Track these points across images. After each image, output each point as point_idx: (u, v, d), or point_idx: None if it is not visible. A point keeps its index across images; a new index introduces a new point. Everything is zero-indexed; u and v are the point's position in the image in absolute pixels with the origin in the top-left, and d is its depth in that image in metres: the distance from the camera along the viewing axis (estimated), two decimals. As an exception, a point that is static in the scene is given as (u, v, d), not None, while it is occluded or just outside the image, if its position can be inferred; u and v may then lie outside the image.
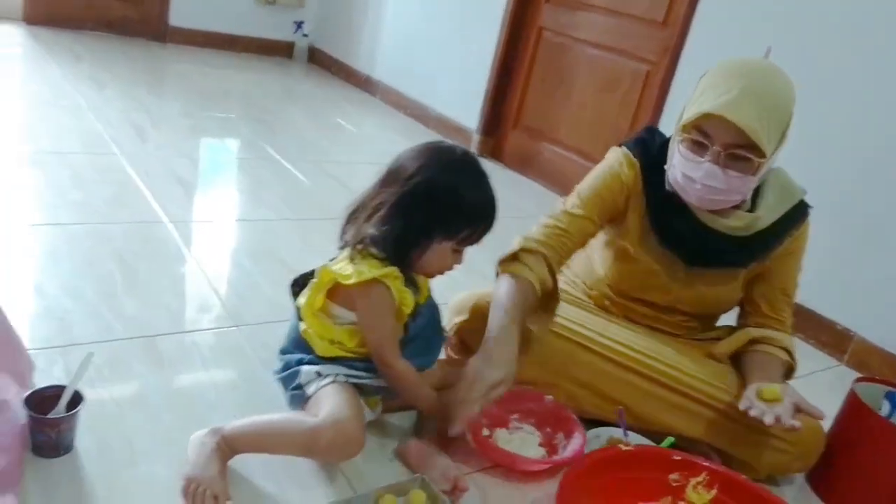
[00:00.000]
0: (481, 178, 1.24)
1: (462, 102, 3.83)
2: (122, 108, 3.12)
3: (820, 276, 2.34)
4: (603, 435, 1.45)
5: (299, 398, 1.27)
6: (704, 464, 1.28)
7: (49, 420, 1.13)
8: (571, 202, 1.49)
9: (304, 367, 1.28)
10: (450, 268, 1.29)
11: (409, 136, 3.75)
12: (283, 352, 1.37)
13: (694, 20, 2.75)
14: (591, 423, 1.49)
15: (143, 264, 1.84)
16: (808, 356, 2.28)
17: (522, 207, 3.03)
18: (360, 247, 1.22)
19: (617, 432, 1.45)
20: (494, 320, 1.32)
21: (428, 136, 3.89)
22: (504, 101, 3.71)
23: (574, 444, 1.39)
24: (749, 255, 1.44)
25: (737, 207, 1.37)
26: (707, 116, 1.25)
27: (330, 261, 1.30)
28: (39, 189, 2.16)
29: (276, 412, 1.27)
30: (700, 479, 1.26)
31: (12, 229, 1.89)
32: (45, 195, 2.13)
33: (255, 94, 4.03)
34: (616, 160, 1.48)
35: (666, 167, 1.40)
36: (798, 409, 1.27)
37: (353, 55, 4.77)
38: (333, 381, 1.25)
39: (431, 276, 1.31)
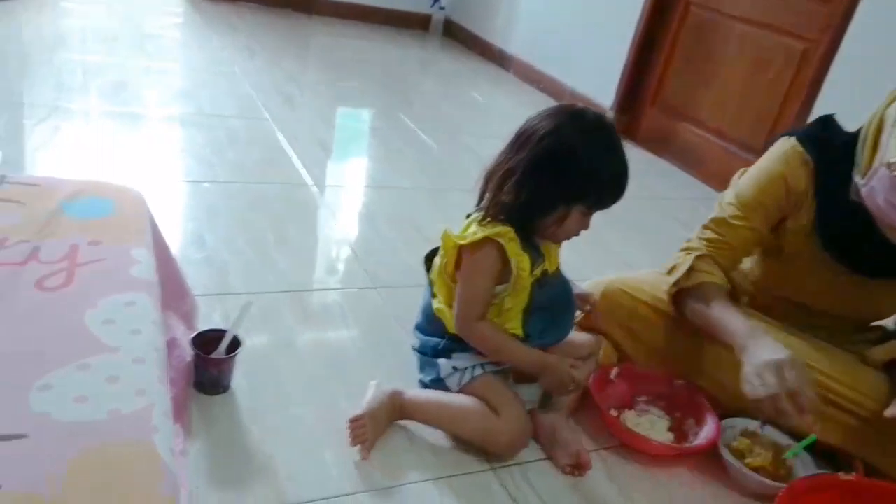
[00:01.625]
0: (615, 142, 1.21)
1: (598, 78, 3.74)
2: (272, 76, 3.29)
3: None
4: (737, 425, 1.40)
5: (442, 389, 1.31)
6: None
7: (213, 360, 1.23)
8: (730, 210, 1.39)
9: (441, 361, 1.31)
10: (576, 233, 1.25)
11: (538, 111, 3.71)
12: (419, 328, 1.39)
13: (862, -4, 2.55)
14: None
15: (291, 223, 1.96)
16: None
17: (655, 188, 2.95)
18: (491, 213, 1.21)
19: (752, 424, 1.40)
20: (737, 322, 1.29)
21: (561, 112, 3.84)
22: (643, 77, 3.59)
23: (706, 432, 1.36)
24: None
25: None
26: None
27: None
28: (200, 147, 2.34)
29: (399, 369, 1.34)
30: None
31: (177, 183, 2.06)
32: (205, 154, 2.30)
33: (392, 66, 4.13)
34: (785, 157, 1.35)
35: (857, 179, 1.25)
36: None
37: (489, 29, 4.77)
38: (473, 378, 1.28)
39: (558, 241, 1.29)
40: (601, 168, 1.19)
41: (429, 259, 1.41)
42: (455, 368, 1.29)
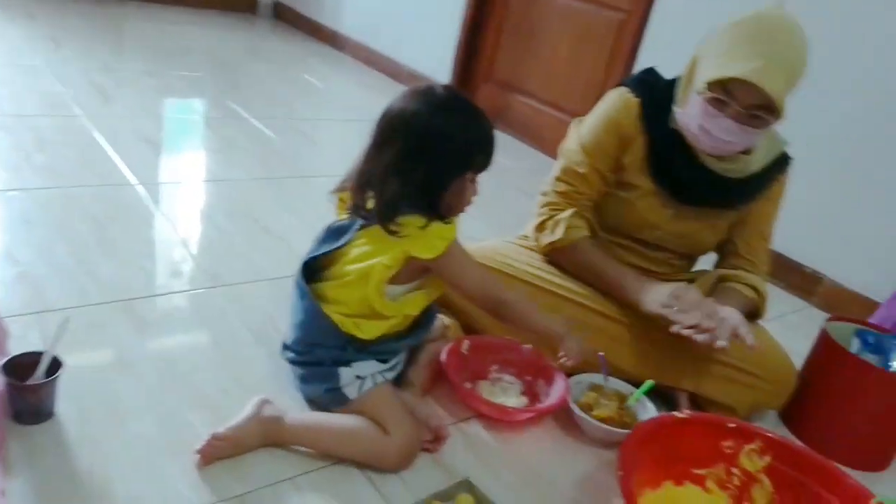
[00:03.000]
0: (473, 108, 1.25)
1: (432, 57, 3.77)
2: (82, 68, 3.02)
3: (790, 220, 2.38)
4: (584, 381, 1.48)
5: (338, 399, 1.25)
6: (758, 431, 1.26)
7: (28, 386, 1.11)
8: (577, 158, 1.51)
9: (343, 370, 1.25)
10: (471, 201, 1.28)
11: (380, 92, 3.69)
12: (305, 341, 1.30)
13: (666, -33, 2.73)
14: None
15: (115, 227, 1.81)
16: (778, 299, 2.34)
17: (497, 161, 3.02)
18: (386, 212, 1.18)
19: (598, 377, 1.48)
20: (622, 274, 1.47)
21: (397, 91, 3.83)
22: (475, 54, 3.66)
23: (556, 391, 1.41)
24: (738, 198, 1.49)
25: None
26: (733, 80, 1.26)
27: (357, 228, 1.26)
28: (2, 153, 2.10)
29: (248, 374, 1.27)
30: (753, 445, 1.24)
31: (-24, 195, 1.84)
32: (10, 159, 2.06)
33: (219, 52, 3.92)
34: (615, 101, 1.49)
35: (675, 108, 1.41)
36: (735, 335, 1.30)
37: (320, 10, 4.65)
38: (375, 385, 1.25)
39: (457, 213, 1.29)
40: (476, 133, 1.23)
41: (306, 269, 1.32)
42: (357, 377, 1.25)
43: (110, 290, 1.54)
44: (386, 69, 4.08)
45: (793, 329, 1.80)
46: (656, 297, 1.39)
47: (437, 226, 1.20)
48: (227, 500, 1.08)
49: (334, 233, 1.32)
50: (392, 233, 1.18)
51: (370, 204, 1.21)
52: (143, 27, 4.07)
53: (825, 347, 1.55)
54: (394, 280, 1.24)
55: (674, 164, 1.45)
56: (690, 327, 1.30)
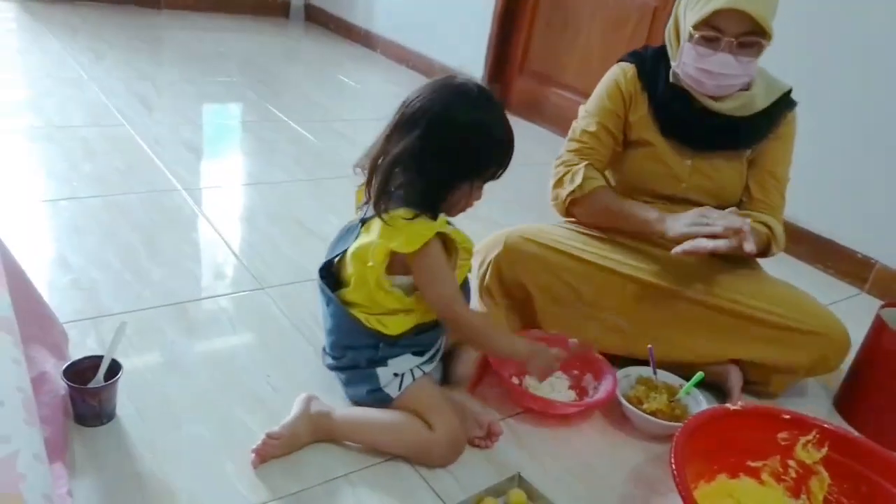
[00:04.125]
0: (500, 111, 1.20)
1: (465, 51, 3.76)
2: (124, 78, 3.09)
3: (838, 205, 2.33)
4: (632, 374, 1.46)
5: (382, 398, 1.25)
6: (815, 422, 1.23)
7: (89, 390, 1.15)
8: (584, 121, 1.59)
9: (380, 370, 1.25)
10: (471, 205, 1.25)
11: (413, 89, 3.69)
12: (337, 346, 1.30)
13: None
14: (617, 362, 1.50)
15: (163, 232, 1.85)
16: (829, 286, 2.29)
17: (531, 154, 2.99)
18: (387, 202, 1.16)
19: (646, 370, 1.46)
20: (644, 210, 1.51)
21: (432, 88, 3.83)
22: (508, 46, 3.64)
23: (605, 385, 1.40)
24: (747, 137, 1.53)
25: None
26: (718, 12, 1.34)
27: (360, 224, 1.25)
28: (53, 163, 2.16)
29: (297, 372, 1.29)
30: (810, 437, 1.22)
31: (32, 205, 1.90)
32: (59, 169, 2.12)
33: (254, 56, 3.97)
34: (612, 72, 1.59)
35: (673, 65, 1.49)
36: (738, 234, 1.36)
37: (351, 10, 4.68)
38: (415, 380, 1.25)
39: (453, 216, 1.26)
40: (496, 138, 1.18)
41: (323, 271, 1.34)
42: (395, 374, 1.25)
43: (161, 294, 1.58)
44: (419, 66, 4.09)
45: (847, 317, 1.74)
46: (681, 219, 1.43)
47: (421, 221, 1.16)
48: (283, 497, 1.10)
49: (346, 232, 1.32)
50: (383, 221, 1.16)
51: (373, 191, 1.19)
52: (179, 35, 4.14)
53: (880, 334, 1.51)
54: (396, 271, 1.22)
55: (679, 115, 1.51)
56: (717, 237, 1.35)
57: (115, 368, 1.18)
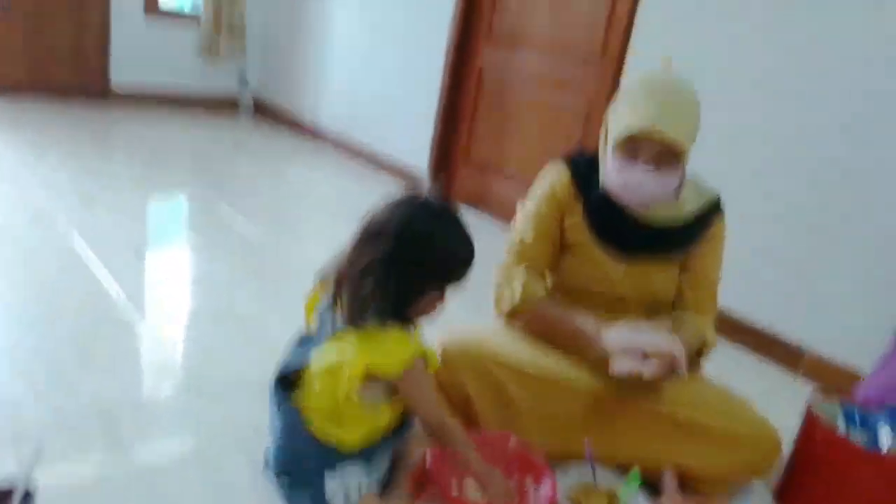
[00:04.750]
0: (461, 223, 1.27)
1: (410, 143, 3.87)
2: (66, 174, 3.06)
3: (768, 292, 2.42)
4: (571, 472, 1.46)
5: None
6: None
7: (2, 519, 1.08)
8: (522, 228, 1.63)
9: (328, 478, 1.24)
10: (436, 309, 1.29)
11: (360, 182, 3.76)
12: (286, 449, 1.29)
13: (628, 54, 2.85)
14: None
15: (96, 338, 1.80)
16: (762, 373, 2.34)
17: (477, 245, 3.05)
18: (357, 313, 1.19)
19: (584, 470, 1.46)
20: (581, 321, 1.51)
21: (379, 180, 3.91)
22: (452, 141, 3.76)
23: (545, 490, 1.39)
24: (678, 244, 1.58)
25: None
26: (635, 133, 1.40)
27: (327, 333, 1.26)
28: (-18, 268, 2.11)
29: (234, 486, 1.24)
30: None
31: (-45, 313, 1.83)
32: (-11, 273, 2.07)
33: (202, 150, 4.00)
34: (549, 174, 1.64)
35: (601, 173, 1.54)
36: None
37: (299, 106, 4.79)
38: (361, 496, 1.25)
39: (419, 321, 1.30)
40: (459, 249, 1.25)
41: (281, 381, 1.32)
42: (342, 488, 1.24)
43: (89, 404, 1.52)
44: (366, 158, 4.17)
45: (781, 404, 1.79)
46: (616, 333, 1.45)
47: (398, 338, 1.20)
48: None
49: (306, 340, 1.33)
50: (359, 332, 1.19)
51: (342, 302, 1.22)
52: (128, 128, 4.16)
53: (811, 426, 1.55)
54: (371, 381, 1.23)
55: (611, 221, 1.55)
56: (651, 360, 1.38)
57: (30, 496, 1.12)
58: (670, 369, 1.39)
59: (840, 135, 2.23)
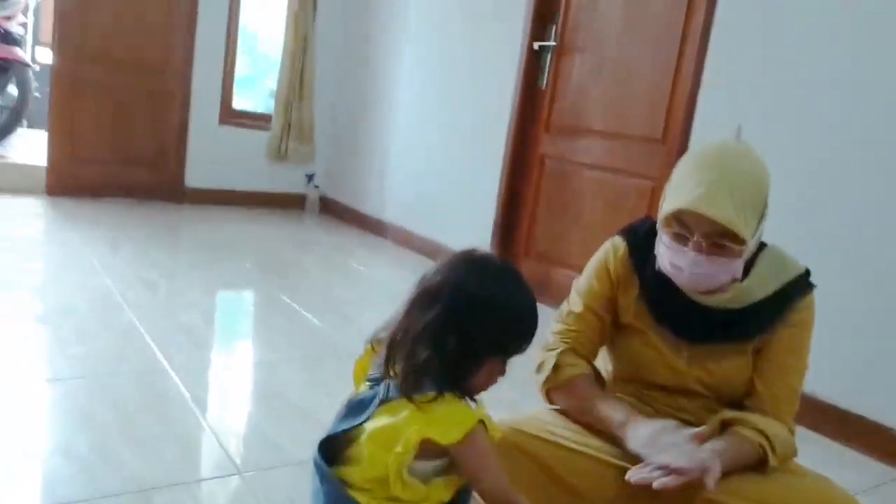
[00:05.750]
0: (521, 282, 1.17)
1: (472, 236, 3.84)
2: (135, 265, 3.15)
3: (861, 377, 2.19)
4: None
5: None
6: None
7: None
8: (573, 300, 1.50)
9: None
10: (496, 382, 1.17)
11: (420, 273, 3.73)
12: None
13: (692, 136, 2.79)
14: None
15: (142, 414, 1.76)
16: (867, 469, 2.08)
17: (541, 334, 2.94)
18: (412, 382, 1.08)
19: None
20: (612, 408, 1.36)
21: (440, 271, 3.87)
22: (514, 231, 3.72)
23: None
24: (747, 329, 1.36)
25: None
26: (682, 211, 1.25)
27: (377, 402, 1.14)
28: (40, 346, 2.12)
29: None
30: None
31: (5, 388, 1.82)
32: (46, 352, 2.08)
33: (268, 245, 4.08)
34: (604, 249, 1.50)
35: (656, 252, 1.38)
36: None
37: (363, 201, 4.88)
38: None
39: (478, 393, 1.18)
40: (521, 311, 1.14)
41: (322, 446, 1.20)
42: None
43: (127, 480, 1.45)
44: (425, 250, 4.16)
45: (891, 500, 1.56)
46: (640, 432, 1.28)
47: (458, 406, 1.09)
48: None
49: (355, 408, 1.22)
50: (414, 404, 1.07)
51: (396, 370, 1.12)
52: (199, 227, 4.30)
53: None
54: (420, 456, 1.12)
55: (668, 304, 1.38)
56: (662, 468, 1.17)
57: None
58: (697, 483, 1.16)
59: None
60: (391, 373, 1.13)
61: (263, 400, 1.96)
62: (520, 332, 1.14)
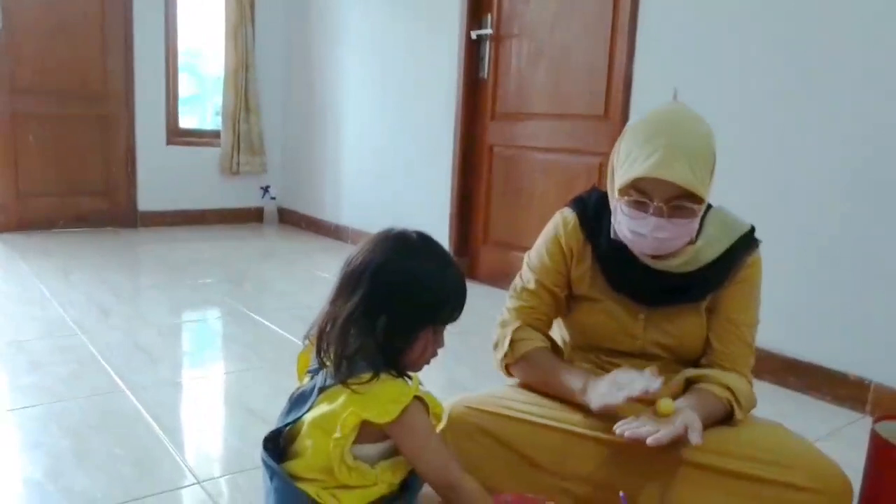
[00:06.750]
0: (445, 255, 1.17)
1: (429, 230, 3.76)
2: (88, 291, 3.09)
3: (823, 327, 2.24)
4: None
5: None
6: None
7: None
8: (526, 276, 1.49)
9: None
10: (435, 354, 1.17)
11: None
12: None
13: (631, 108, 2.82)
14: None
15: (98, 436, 1.72)
16: (827, 414, 2.13)
17: (472, 304, 2.94)
18: (346, 367, 1.08)
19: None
20: (571, 377, 1.37)
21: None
22: (470, 221, 3.73)
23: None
24: (700, 289, 1.38)
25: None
26: (641, 179, 1.25)
27: (316, 392, 1.14)
28: (-7, 380, 2.07)
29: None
30: None
31: (-42, 424, 1.78)
32: (-1, 385, 2.03)
33: (228, 260, 4.04)
34: (553, 222, 1.49)
35: (612, 221, 1.37)
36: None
37: (320, 208, 4.86)
38: None
39: (419, 369, 1.18)
40: (445, 283, 1.13)
41: (268, 443, 1.19)
42: None
43: (81, 502, 1.42)
44: (388, 251, 4.15)
45: (848, 444, 1.59)
46: (598, 388, 1.29)
47: (392, 384, 1.08)
48: None
49: (297, 401, 1.21)
50: (349, 389, 1.07)
51: (329, 358, 1.12)
52: (155, 249, 4.24)
53: (878, 450, 1.36)
54: (363, 440, 1.11)
55: (624, 271, 1.39)
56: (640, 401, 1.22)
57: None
58: (682, 436, 1.18)
59: (863, 145, 2.12)
60: (326, 362, 1.13)
61: (225, 410, 1.93)
62: (445, 301, 1.13)
